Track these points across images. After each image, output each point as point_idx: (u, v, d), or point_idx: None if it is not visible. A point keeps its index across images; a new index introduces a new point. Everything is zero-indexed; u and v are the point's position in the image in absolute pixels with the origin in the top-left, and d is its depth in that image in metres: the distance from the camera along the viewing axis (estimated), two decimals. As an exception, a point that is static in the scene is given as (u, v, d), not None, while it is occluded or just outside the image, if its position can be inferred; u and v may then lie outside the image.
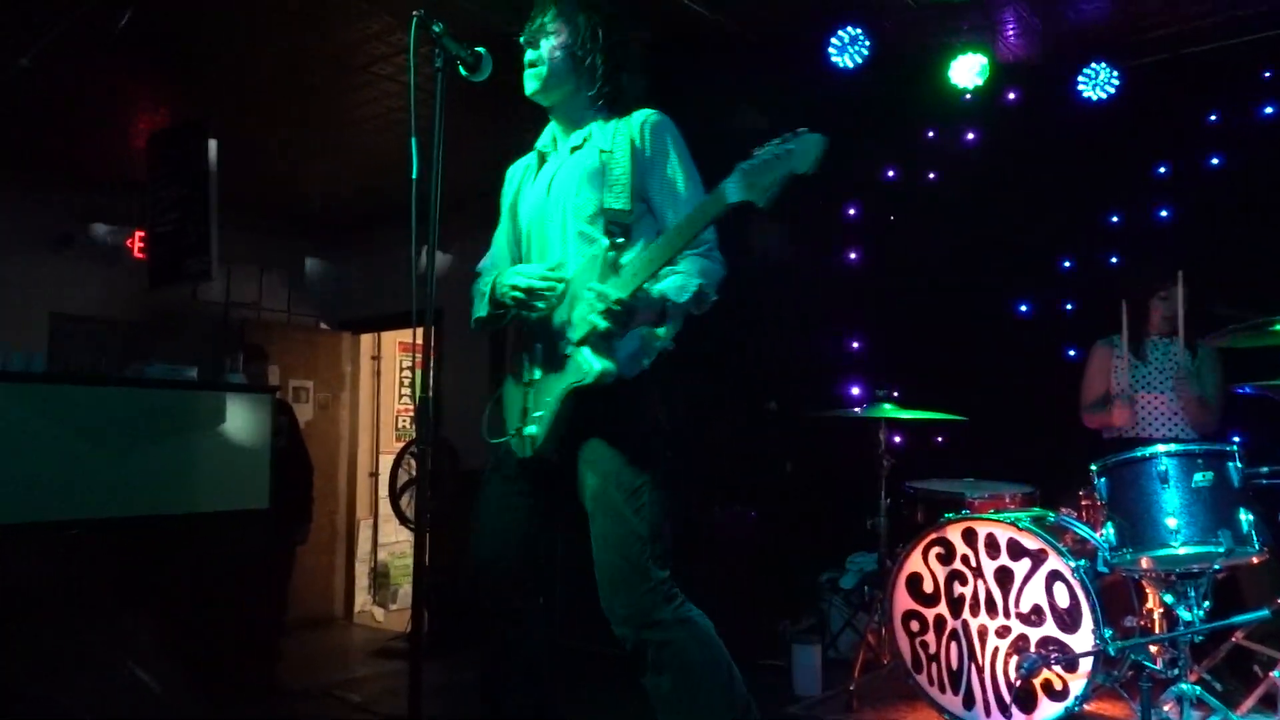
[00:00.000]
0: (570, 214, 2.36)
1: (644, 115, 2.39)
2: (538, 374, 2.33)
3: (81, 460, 3.80)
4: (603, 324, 2.14)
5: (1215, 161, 4.46)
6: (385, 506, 7.13)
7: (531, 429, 2.29)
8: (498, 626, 2.40)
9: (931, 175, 5.13)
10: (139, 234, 6.02)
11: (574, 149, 2.43)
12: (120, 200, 6.16)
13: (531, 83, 2.42)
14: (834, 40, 4.51)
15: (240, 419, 4.34)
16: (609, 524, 2.23)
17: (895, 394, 3.97)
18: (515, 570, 2.37)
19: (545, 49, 2.39)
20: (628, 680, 2.31)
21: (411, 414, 7.17)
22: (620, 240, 2.25)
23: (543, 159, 2.53)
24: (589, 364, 2.20)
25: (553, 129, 2.54)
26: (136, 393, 4.08)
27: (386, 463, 7.07)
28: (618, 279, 2.16)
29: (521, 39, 2.38)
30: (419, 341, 2.06)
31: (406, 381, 8.11)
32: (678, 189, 2.34)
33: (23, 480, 3.61)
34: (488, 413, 2.46)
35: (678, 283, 2.23)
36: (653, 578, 2.20)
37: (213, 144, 4.90)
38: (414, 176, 1.98)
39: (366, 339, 7.81)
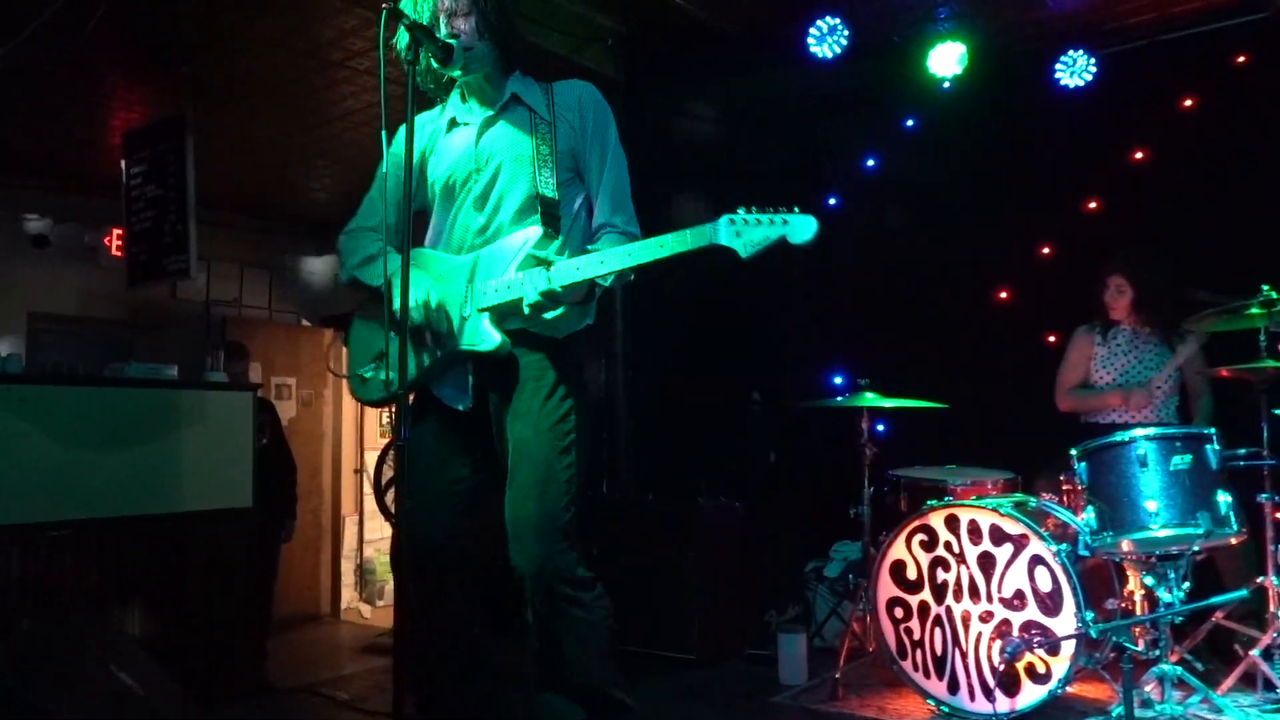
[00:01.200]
0: (504, 188, 2.39)
1: (582, 89, 2.44)
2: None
3: (61, 462, 3.77)
4: (532, 300, 2.21)
5: (1189, 148, 4.48)
6: (370, 503, 7.11)
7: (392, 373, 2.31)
8: (431, 607, 2.41)
9: (910, 164, 5.13)
10: (116, 232, 5.97)
11: (499, 112, 2.43)
12: (97, 199, 6.10)
13: (454, 67, 2.34)
14: (813, 30, 4.51)
15: (222, 417, 4.32)
16: (536, 478, 2.29)
17: (877, 383, 3.98)
18: (447, 539, 2.40)
19: (459, 27, 2.32)
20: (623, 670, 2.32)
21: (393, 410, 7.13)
22: (551, 232, 2.32)
23: (453, 124, 2.50)
24: (488, 335, 2.29)
25: (460, 94, 2.50)
26: (116, 393, 4.05)
27: (371, 459, 7.05)
28: (557, 270, 2.20)
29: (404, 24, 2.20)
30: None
31: (390, 377, 8.07)
32: (610, 168, 2.41)
33: (1, 482, 3.58)
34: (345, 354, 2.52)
35: (601, 262, 2.25)
36: (570, 537, 2.30)
37: (190, 141, 4.86)
38: (384, 170, 1.96)
39: (349, 335, 7.77)
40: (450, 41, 2.23)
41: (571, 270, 2.19)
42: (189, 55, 4.57)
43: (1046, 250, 4.79)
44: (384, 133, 1.94)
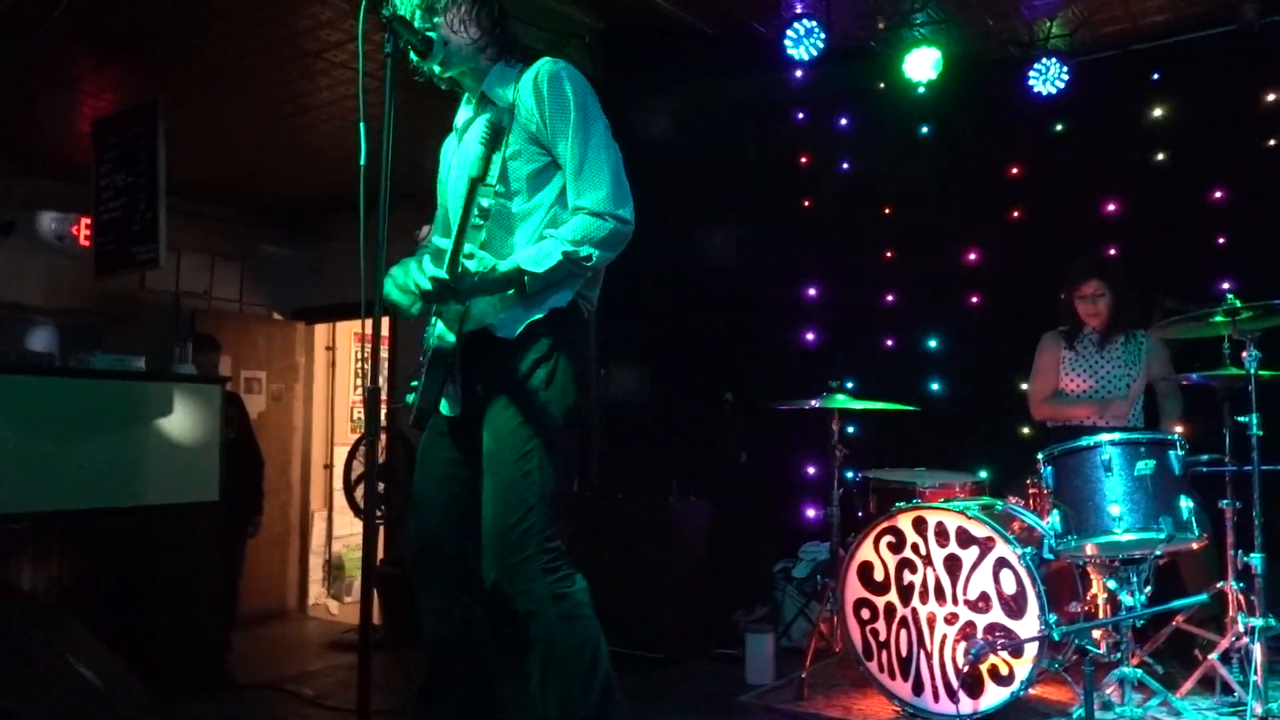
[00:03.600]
0: (519, 195, 2.31)
1: (539, 68, 2.28)
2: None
3: (26, 453, 3.72)
4: (424, 289, 2.15)
5: (1160, 156, 4.55)
6: (340, 499, 7.06)
7: (409, 397, 2.34)
8: (438, 616, 2.37)
9: (886, 167, 5.17)
10: (85, 221, 5.88)
11: (475, 114, 2.39)
12: (65, 186, 6.01)
13: (434, 60, 2.28)
14: (790, 32, 4.52)
15: (189, 410, 4.28)
16: (495, 486, 2.20)
17: (848, 385, 4.01)
18: (457, 548, 2.33)
19: (439, 23, 2.27)
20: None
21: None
22: (479, 222, 2.20)
23: (459, 134, 2.49)
24: (433, 336, 2.28)
25: (464, 99, 2.48)
26: (82, 384, 4.01)
27: (341, 455, 7.00)
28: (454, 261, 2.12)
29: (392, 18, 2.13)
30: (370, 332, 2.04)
31: (361, 372, 8.03)
32: (572, 147, 2.24)
33: (-38, 473, 3.53)
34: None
35: (539, 251, 2.18)
36: (529, 547, 2.15)
37: (161, 129, 4.81)
38: (361, 163, 1.95)
39: (321, 329, 7.72)
40: (430, 34, 2.21)
41: (475, 261, 2.12)
42: (161, 41, 4.51)
43: (1018, 255, 4.83)
44: (361, 125, 1.93)
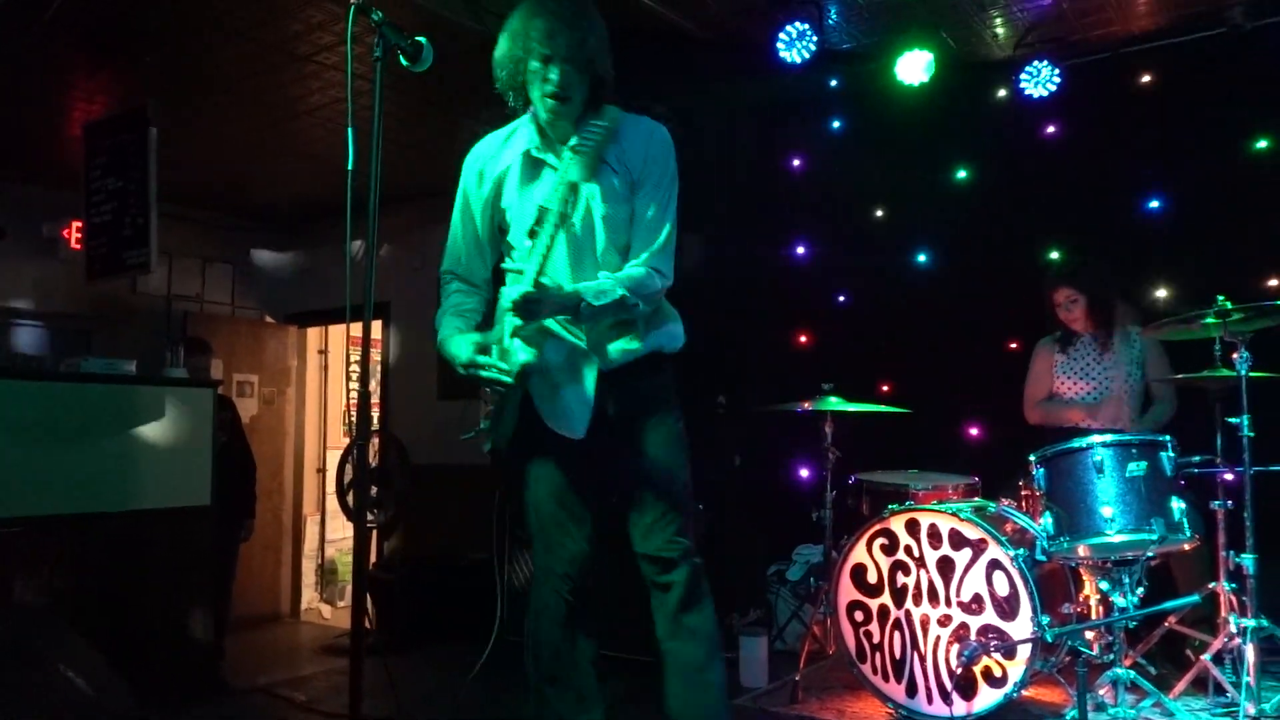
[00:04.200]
0: (596, 230, 2.38)
1: (655, 128, 2.45)
2: None
3: (16, 457, 3.71)
4: (514, 308, 2.25)
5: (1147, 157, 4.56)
6: (333, 502, 7.05)
7: (484, 424, 2.44)
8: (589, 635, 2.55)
9: (876, 171, 5.16)
10: (76, 224, 5.87)
11: (561, 150, 2.34)
12: (56, 190, 6.00)
13: (562, 111, 2.33)
14: (781, 35, 4.53)
15: (181, 414, 4.27)
16: (664, 475, 2.48)
17: (841, 388, 4.01)
18: (585, 560, 2.57)
19: (568, 70, 2.28)
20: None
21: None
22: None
23: (535, 163, 2.41)
24: (517, 356, 2.30)
25: (533, 128, 2.42)
26: (72, 387, 4.00)
27: (334, 458, 6.99)
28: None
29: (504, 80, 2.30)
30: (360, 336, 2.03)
31: (354, 376, 8.02)
32: (658, 201, 2.41)
33: (-48, 478, 3.51)
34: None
35: (600, 286, 2.29)
36: (687, 535, 2.49)
37: (153, 133, 4.80)
38: (350, 167, 1.95)
39: (313, 332, 7.71)
40: (420, 39, 2.19)
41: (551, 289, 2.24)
42: (152, 46, 4.50)
43: (1011, 257, 4.84)
44: (350, 130, 1.92)
